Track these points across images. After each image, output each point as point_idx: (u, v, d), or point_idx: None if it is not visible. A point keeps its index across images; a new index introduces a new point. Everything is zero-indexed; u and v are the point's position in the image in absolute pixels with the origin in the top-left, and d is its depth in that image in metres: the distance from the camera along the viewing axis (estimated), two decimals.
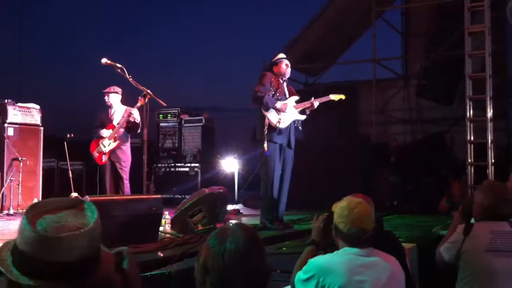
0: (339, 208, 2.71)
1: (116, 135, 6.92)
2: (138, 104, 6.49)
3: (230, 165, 10.85)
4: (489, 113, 8.26)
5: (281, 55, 6.38)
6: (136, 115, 6.78)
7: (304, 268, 2.62)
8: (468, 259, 3.16)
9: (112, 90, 7.06)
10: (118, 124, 6.92)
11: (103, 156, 6.93)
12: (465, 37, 8.49)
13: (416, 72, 11.66)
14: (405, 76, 12.46)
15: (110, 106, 7.10)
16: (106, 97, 7.07)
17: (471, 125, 8.44)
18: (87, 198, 4.17)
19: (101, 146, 6.92)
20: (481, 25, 8.40)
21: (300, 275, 2.62)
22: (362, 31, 12.68)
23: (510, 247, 3.06)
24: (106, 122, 7.05)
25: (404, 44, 12.69)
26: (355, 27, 12.38)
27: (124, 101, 7.15)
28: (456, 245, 3.26)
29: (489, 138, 8.20)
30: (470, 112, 8.45)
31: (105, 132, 6.92)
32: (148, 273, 2.80)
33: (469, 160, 8.32)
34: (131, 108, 6.85)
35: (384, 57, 12.05)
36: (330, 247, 2.86)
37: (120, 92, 7.13)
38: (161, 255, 3.83)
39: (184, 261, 3.32)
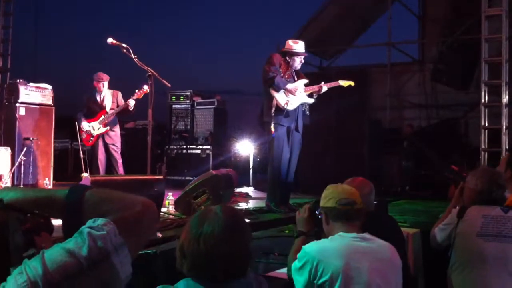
0: (324, 192, 2.71)
1: (107, 121, 7.35)
2: (135, 97, 7.05)
3: (245, 148, 10.83)
4: (505, 99, 8.09)
5: (300, 48, 6.11)
6: (132, 105, 7.16)
7: (298, 255, 2.58)
8: (460, 243, 3.15)
9: (105, 78, 7.46)
10: (112, 110, 7.38)
11: (91, 138, 7.39)
12: (482, 20, 8.30)
13: (432, 56, 11.47)
14: (421, 60, 12.27)
15: (98, 91, 7.47)
16: (101, 85, 7.43)
17: (486, 110, 8.28)
18: (88, 178, 4.19)
19: (91, 128, 7.37)
20: (499, 8, 8.20)
21: (295, 263, 2.58)
22: (379, 15, 12.49)
23: (501, 232, 3.03)
24: (95, 107, 7.48)
25: (421, 28, 12.47)
26: (371, 10, 12.21)
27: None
28: (449, 227, 3.26)
29: (504, 124, 8.04)
30: (485, 97, 8.29)
31: (85, 126, 7.41)
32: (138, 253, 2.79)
33: (483, 146, 8.19)
34: (118, 92, 7.49)
35: (399, 41, 11.86)
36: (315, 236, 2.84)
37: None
38: (160, 235, 3.83)
39: (174, 241, 3.31)
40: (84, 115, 7.49)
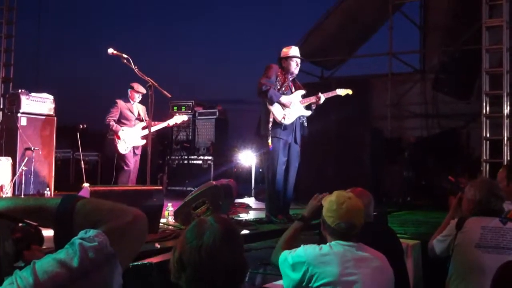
0: (328, 202, 2.68)
1: (146, 135, 7.21)
2: (174, 121, 7.42)
3: (246, 158, 10.82)
4: (506, 110, 8.09)
5: (293, 52, 6.13)
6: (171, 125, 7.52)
7: (295, 252, 2.59)
8: (459, 254, 3.14)
9: (144, 91, 7.26)
10: (157, 126, 7.34)
11: (128, 147, 7.27)
12: (483, 31, 8.32)
13: (433, 66, 11.48)
14: (422, 70, 12.27)
15: (131, 100, 7.43)
16: (137, 96, 7.43)
17: (487, 121, 8.28)
18: (88, 187, 4.19)
19: (129, 136, 7.28)
20: (500, 19, 8.22)
21: (288, 257, 2.60)
22: (380, 25, 12.51)
23: (499, 244, 3.01)
24: (130, 115, 7.40)
25: (422, 38, 12.49)
26: (373, 20, 12.23)
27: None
28: (448, 239, 3.25)
29: (505, 135, 8.03)
30: (486, 108, 8.29)
31: (126, 132, 7.28)
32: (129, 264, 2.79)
33: (484, 157, 8.18)
34: (144, 107, 7.45)
35: (401, 51, 11.88)
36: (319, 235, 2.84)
37: None
38: (158, 246, 3.82)
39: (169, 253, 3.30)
40: (119, 121, 7.32)
